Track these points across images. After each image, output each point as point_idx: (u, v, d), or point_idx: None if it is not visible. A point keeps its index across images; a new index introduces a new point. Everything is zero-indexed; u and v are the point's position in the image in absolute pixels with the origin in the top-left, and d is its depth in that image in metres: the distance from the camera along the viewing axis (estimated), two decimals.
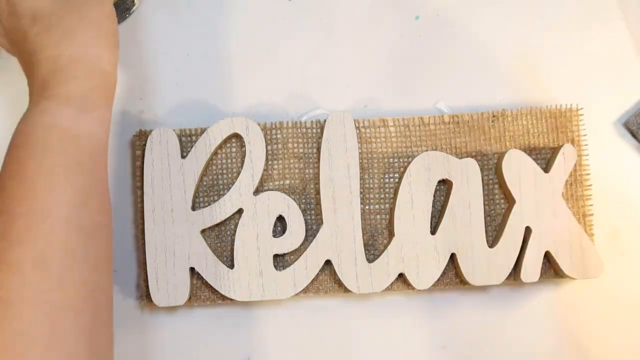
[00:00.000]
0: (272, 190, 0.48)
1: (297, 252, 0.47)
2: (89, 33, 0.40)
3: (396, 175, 0.49)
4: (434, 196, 0.48)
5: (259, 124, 0.48)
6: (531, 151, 0.49)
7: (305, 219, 0.47)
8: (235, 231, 0.47)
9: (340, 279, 0.47)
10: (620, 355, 0.49)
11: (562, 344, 0.49)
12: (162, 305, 0.46)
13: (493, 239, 0.48)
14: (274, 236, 0.47)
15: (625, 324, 0.49)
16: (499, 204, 0.49)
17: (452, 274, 0.48)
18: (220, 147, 0.48)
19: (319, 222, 0.47)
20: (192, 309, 0.49)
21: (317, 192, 0.48)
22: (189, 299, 0.47)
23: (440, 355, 0.49)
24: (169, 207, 0.47)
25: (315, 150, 0.49)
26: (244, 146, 0.48)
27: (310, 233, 0.47)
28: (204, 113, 0.51)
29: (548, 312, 0.49)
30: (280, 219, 0.47)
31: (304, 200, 0.48)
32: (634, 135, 0.50)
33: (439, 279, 0.47)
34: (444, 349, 0.49)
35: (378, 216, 0.48)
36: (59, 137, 0.37)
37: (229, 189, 0.48)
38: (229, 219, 0.48)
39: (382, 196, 0.49)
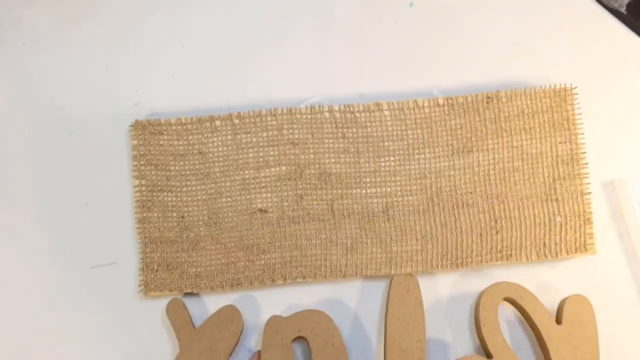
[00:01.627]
0: (267, 177, 0.48)
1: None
2: None
3: (391, 158, 0.49)
4: None
5: (253, 111, 0.48)
6: (526, 132, 0.49)
7: (303, 205, 0.48)
8: None
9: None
10: (614, 337, 0.49)
11: None
12: (161, 292, 0.47)
13: None
14: None
15: (617, 305, 0.49)
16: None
17: None
18: (214, 134, 0.48)
19: (320, 207, 0.48)
20: (192, 298, 0.49)
21: (315, 178, 0.48)
22: (187, 287, 0.47)
23: None
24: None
25: (310, 136, 0.49)
26: (239, 134, 0.48)
27: (315, 216, 0.48)
28: (199, 104, 0.51)
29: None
30: None
31: (301, 186, 0.48)
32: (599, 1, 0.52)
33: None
34: None
35: (375, 200, 0.48)
36: None
37: (225, 176, 0.48)
38: None
39: (378, 179, 0.48)
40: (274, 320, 0.46)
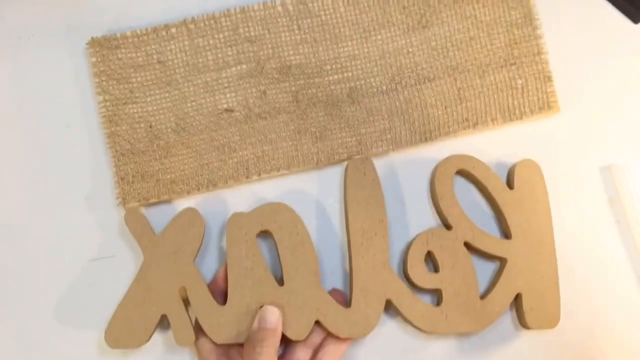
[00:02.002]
0: (229, 77, 0.48)
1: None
2: None
3: (349, 43, 0.49)
4: None
5: (206, 14, 0.49)
6: (477, 1, 0.49)
7: (268, 100, 0.48)
8: None
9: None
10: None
11: None
12: (139, 203, 0.47)
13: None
14: None
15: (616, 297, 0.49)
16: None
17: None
18: (171, 42, 0.49)
19: (284, 100, 0.48)
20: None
21: (276, 72, 0.48)
22: (164, 194, 0.48)
23: None
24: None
25: (266, 32, 0.49)
26: (195, 38, 0.49)
27: (281, 109, 0.48)
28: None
29: None
30: None
31: (263, 82, 0.49)
32: None
33: None
34: None
35: (338, 86, 0.49)
36: None
37: (187, 81, 0.48)
38: None
39: (339, 65, 0.49)
40: (237, 217, 0.46)
